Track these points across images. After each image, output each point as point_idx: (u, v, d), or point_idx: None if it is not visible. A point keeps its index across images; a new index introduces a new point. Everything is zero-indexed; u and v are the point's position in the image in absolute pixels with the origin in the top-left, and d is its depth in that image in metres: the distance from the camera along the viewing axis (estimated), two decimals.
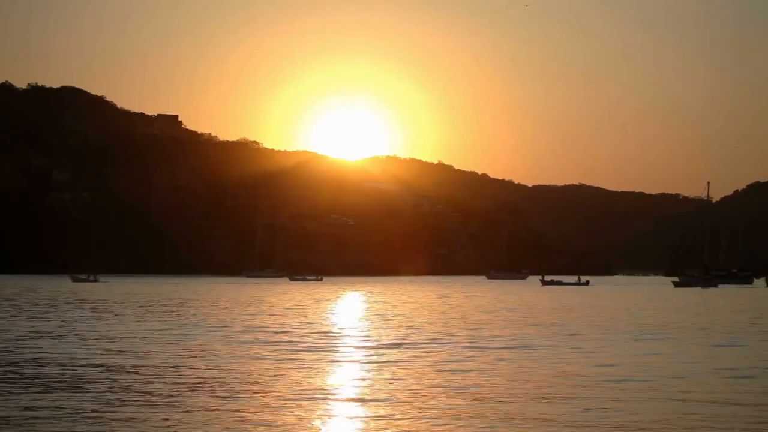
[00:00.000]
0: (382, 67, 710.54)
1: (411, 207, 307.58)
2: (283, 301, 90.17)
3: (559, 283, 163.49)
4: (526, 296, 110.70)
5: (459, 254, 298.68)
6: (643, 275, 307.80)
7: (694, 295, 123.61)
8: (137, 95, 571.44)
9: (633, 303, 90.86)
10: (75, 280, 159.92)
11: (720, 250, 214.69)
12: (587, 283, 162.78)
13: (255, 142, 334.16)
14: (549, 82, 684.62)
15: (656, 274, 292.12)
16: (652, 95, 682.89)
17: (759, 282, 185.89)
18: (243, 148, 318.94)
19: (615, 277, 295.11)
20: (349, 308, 78.37)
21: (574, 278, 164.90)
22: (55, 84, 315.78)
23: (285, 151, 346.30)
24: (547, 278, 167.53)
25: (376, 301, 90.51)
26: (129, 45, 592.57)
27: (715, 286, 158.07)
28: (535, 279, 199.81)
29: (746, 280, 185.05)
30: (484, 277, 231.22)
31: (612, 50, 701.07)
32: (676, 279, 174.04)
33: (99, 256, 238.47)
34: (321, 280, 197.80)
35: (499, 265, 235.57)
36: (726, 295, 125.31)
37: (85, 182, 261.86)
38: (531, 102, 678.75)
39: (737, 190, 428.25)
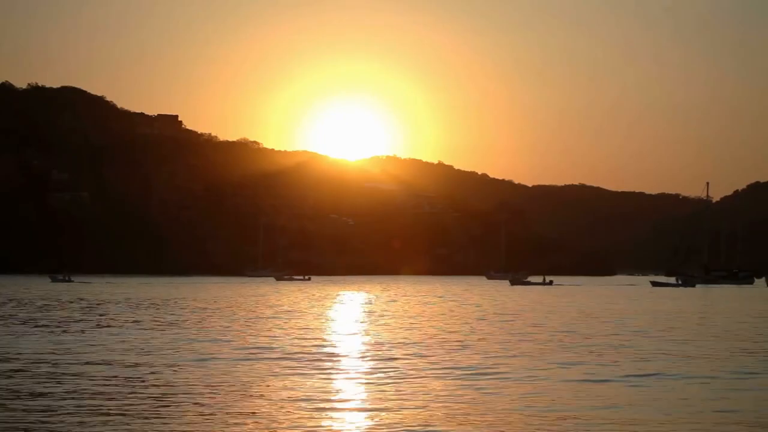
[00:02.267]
0: (382, 67, 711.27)
1: (411, 207, 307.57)
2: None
3: (527, 283, 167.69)
4: (472, 298, 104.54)
5: (459, 254, 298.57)
6: (643, 275, 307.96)
7: (652, 296, 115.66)
8: (137, 95, 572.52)
9: (554, 306, 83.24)
10: (54, 280, 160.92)
11: (720, 251, 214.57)
12: (551, 282, 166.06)
13: (255, 142, 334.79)
14: (549, 82, 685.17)
15: (656, 275, 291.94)
16: (653, 96, 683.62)
17: (759, 282, 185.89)
18: (243, 148, 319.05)
19: (613, 277, 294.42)
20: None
21: (540, 278, 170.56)
22: (55, 84, 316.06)
23: (285, 151, 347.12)
24: (516, 278, 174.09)
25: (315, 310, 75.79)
26: (129, 45, 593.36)
27: (693, 286, 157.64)
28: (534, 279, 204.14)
29: (747, 280, 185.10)
30: (484, 277, 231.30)
31: (612, 50, 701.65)
32: (654, 279, 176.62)
33: (98, 257, 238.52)
34: (309, 279, 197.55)
35: (498, 265, 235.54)
36: (692, 295, 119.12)
37: (84, 182, 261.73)
38: (531, 102, 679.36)
39: (737, 190, 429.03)
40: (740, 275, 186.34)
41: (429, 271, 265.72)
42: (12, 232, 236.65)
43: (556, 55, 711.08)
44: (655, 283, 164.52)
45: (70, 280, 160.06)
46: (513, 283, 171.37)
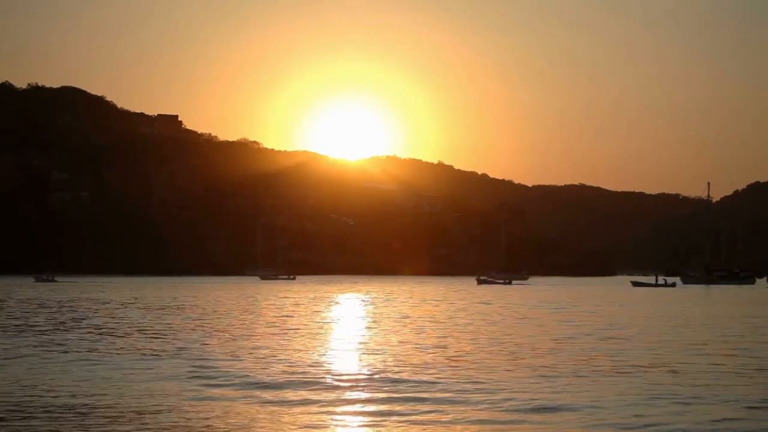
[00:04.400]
0: (382, 66, 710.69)
1: (411, 207, 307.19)
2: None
3: (493, 282, 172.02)
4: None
5: (459, 254, 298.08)
6: (643, 275, 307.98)
7: (611, 296, 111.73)
8: (137, 95, 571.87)
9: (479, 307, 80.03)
10: (38, 280, 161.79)
11: (720, 251, 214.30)
12: (510, 282, 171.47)
13: (255, 142, 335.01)
14: (550, 82, 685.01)
15: (656, 275, 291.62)
16: (653, 96, 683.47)
17: (761, 282, 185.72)
18: (243, 148, 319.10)
19: (612, 277, 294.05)
20: None
21: (506, 278, 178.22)
22: (55, 84, 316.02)
23: (285, 151, 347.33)
24: (481, 278, 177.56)
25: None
26: (129, 45, 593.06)
27: (673, 285, 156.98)
28: (534, 279, 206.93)
29: (748, 280, 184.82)
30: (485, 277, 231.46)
31: (613, 50, 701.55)
32: (634, 279, 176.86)
33: (98, 257, 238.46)
34: (294, 279, 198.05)
35: (498, 265, 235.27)
36: (658, 296, 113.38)
37: (84, 182, 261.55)
38: (531, 102, 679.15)
39: (737, 190, 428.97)
40: (741, 275, 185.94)
41: (429, 271, 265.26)
42: (12, 232, 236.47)
43: (556, 55, 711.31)
44: (636, 283, 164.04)
45: (53, 280, 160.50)
46: (479, 282, 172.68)
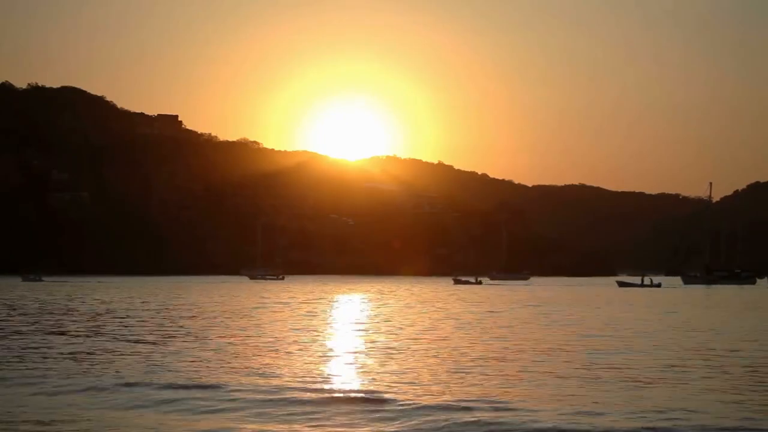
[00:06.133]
0: (382, 67, 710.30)
1: (411, 207, 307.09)
2: None
3: (467, 282, 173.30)
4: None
5: (459, 254, 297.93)
6: (643, 276, 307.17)
7: (584, 296, 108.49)
8: (137, 95, 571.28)
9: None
10: (25, 279, 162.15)
11: (720, 251, 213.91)
12: (480, 282, 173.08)
13: (255, 142, 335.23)
14: (550, 82, 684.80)
15: (656, 275, 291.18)
16: (653, 96, 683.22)
17: (762, 282, 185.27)
18: (243, 148, 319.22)
19: (609, 278, 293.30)
20: None
21: (476, 278, 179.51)
22: (55, 84, 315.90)
23: (285, 151, 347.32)
24: (457, 278, 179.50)
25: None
26: (129, 45, 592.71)
27: (658, 285, 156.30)
28: (535, 280, 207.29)
29: (749, 280, 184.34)
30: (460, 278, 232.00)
31: (613, 50, 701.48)
32: (620, 279, 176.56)
33: (98, 257, 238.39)
34: (282, 278, 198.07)
35: (499, 265, 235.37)
36: (637, 297, 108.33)
37: (84, 182, 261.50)
38: (531, 102, 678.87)
39: (737, 190, 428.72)
40: (742, 275, 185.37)
41: (429, 272, 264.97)
42: (12, 232, 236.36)
43: (556, 55, 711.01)
44: (621, 284, 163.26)
45: (40, 280, 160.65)
46: (455, 282, 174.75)
